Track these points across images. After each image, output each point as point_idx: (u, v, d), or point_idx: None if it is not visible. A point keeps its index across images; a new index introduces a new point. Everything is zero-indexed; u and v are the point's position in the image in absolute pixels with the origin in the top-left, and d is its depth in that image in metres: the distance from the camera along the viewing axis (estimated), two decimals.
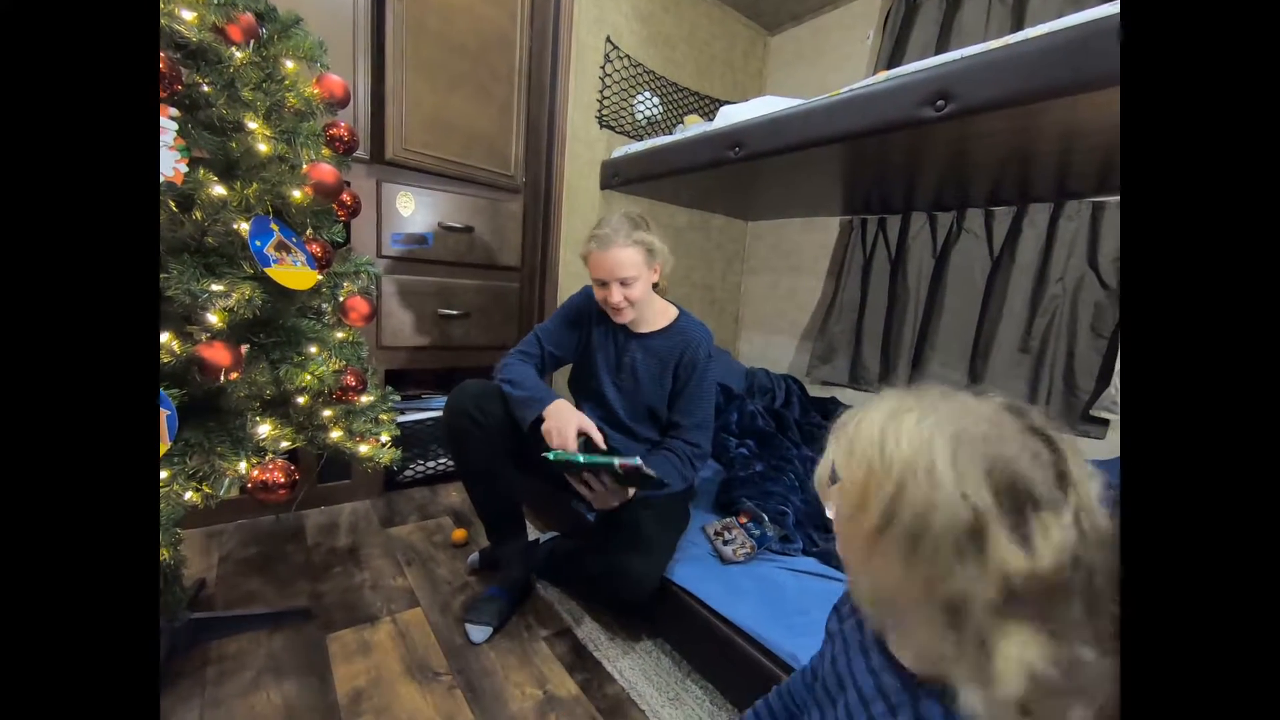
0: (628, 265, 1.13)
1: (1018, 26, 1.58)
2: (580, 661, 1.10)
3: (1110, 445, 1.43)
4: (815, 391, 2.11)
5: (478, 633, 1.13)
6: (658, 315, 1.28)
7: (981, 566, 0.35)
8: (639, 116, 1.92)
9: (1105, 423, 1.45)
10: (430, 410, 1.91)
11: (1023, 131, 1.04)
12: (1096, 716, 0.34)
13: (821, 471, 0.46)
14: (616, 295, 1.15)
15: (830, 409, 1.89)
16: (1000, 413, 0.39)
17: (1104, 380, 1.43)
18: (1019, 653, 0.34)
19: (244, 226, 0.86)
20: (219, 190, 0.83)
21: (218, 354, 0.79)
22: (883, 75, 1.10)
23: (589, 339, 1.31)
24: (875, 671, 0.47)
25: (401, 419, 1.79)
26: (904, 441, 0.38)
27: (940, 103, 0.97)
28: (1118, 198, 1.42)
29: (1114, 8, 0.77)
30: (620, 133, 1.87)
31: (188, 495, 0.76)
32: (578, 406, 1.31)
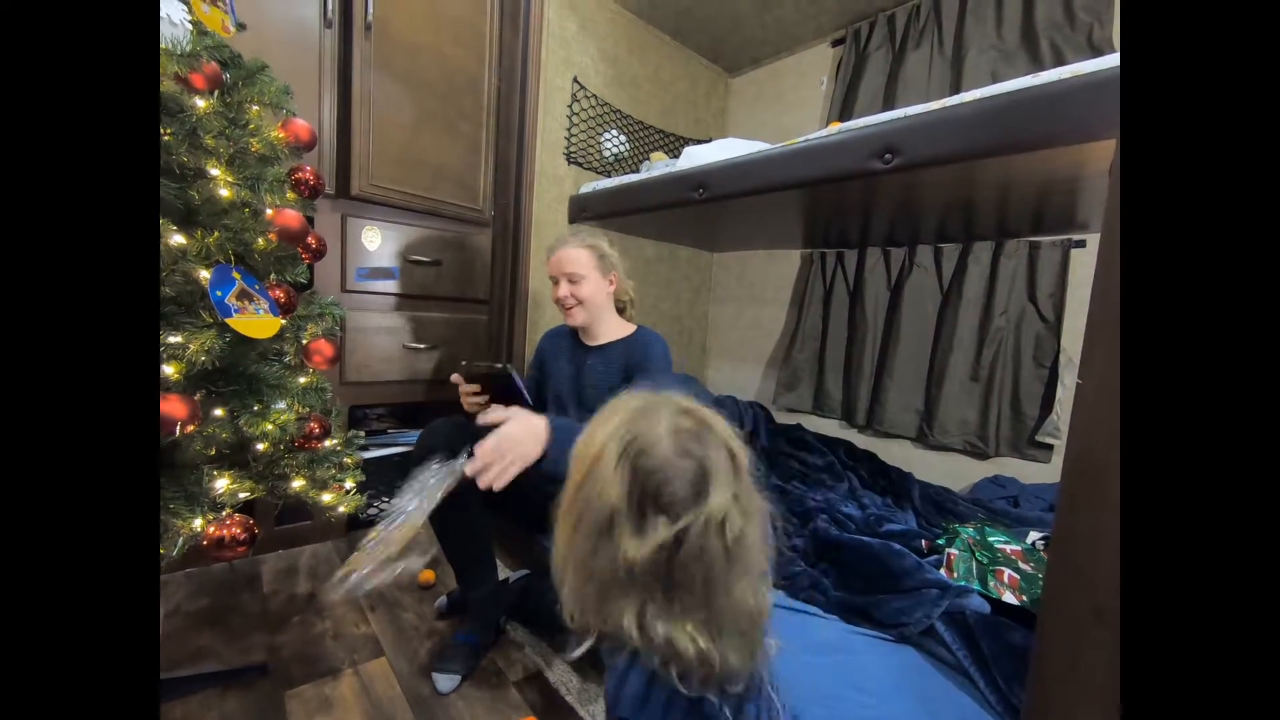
0: (576, 262, 1.27)
1: (956, 78, 1.71)
2: (552, 708, 1.08)
3: (1054, 469, 1.51)
4: (781, 418, 2.16)
5: (445, 682, 1.10)
6: (615, 329, 1.37)
7: (611, 548, 0.44)
8: (606, 154, 1.97)
9: (1050, 448, 1.53)
10: (395, 446, 1.86)
11: (962, 182, 1.12)
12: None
13: None
14: (564, 289, 1.28)
15: (795, 436, 1.94)
16: (673, 431, 0.47)
17: (1046, 408, 1.52)
18: (619, 612, 0.44)
19: (205, 276, 0.84)
20: (178, 239, 0.82)
21: (173, 407, 0.77)
22: (835, 127, 1.18)
23: (553, 369, 1.41)
24: None
25: (365, 455, 1.75)
26: (596, 441, 0.47)
27: (888, 156, 1.04)
28: (1051, 238, 1.53)
29: (1034, 80, 0.85)
30: (588, 169, 1.92)
31: None
32: None
